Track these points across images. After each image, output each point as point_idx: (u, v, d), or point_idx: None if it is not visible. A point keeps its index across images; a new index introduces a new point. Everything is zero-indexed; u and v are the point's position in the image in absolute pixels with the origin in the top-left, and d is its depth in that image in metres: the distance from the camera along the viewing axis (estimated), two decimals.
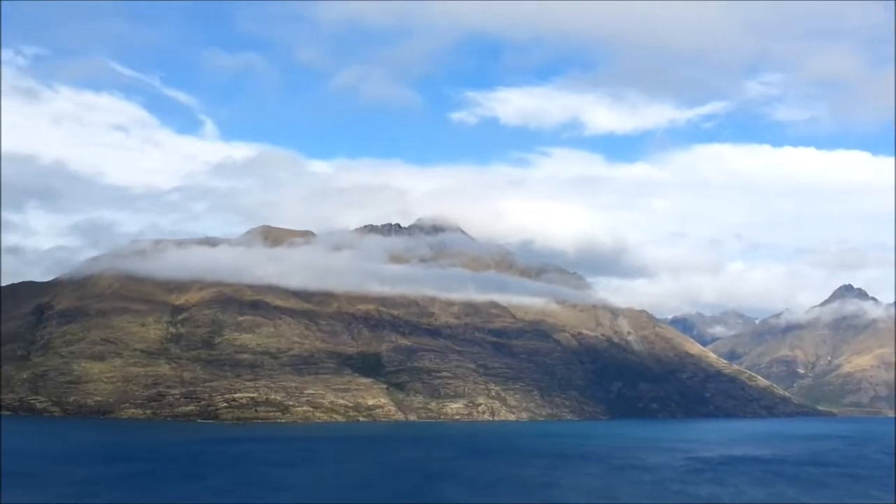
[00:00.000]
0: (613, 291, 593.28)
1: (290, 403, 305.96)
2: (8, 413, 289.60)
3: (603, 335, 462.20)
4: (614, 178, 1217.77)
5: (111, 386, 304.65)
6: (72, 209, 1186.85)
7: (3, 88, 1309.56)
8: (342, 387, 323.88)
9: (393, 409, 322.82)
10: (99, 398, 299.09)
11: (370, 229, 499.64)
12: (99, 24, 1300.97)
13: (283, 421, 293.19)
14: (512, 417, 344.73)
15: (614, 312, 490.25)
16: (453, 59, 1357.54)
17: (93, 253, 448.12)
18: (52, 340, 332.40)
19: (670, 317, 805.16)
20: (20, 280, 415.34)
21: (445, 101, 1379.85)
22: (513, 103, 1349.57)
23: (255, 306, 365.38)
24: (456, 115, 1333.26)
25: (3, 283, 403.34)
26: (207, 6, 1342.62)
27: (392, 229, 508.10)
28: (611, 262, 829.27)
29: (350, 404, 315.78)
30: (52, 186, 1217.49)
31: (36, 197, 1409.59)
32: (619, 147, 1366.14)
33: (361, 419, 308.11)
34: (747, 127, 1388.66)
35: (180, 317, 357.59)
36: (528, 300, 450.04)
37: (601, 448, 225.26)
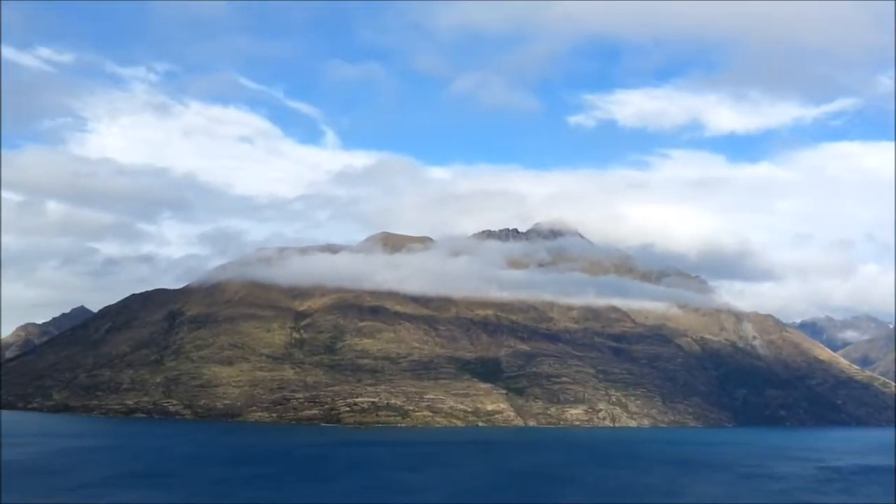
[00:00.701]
0: (737, 295, 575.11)
1: (410, 408, 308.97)
2: (143, 415, 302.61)
3: (727, 340, 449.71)
4: (737, 179, 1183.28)
5: (239, 390, 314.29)
6: (202, 219, 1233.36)
7: (137, 104, 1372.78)
8: (461, 392, 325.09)
9: (512, 414, 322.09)
10: (227, 402, 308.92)
11: (488, 234, 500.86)
12: (226, 40, 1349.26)
13: (403, 425, 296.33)
14: (633, 424, 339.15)
15: (738, 317, 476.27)
16: (571, 63, 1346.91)
17: (221, 261, 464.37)
18: (183, 345, 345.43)
19: (798, 321, 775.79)
20: (154, 288, 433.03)
21: (563, 104, 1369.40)
22: (631, 105, 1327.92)
23: (375, 312, 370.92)
24: (574, 119, 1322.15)
25: (138, 291, 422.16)
26: (329, 19, 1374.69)
27: (510, 234, 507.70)
28: (734, 265, 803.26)
29: (469, 409, 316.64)
30: (184, 197, 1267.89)
31: (168, 208, 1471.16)
32: (741, 147, 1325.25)
33: (481, 424, 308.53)
34: (878, 124, 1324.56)
35: (303, 322, 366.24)
36: (648, 304, 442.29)
37: (727, 456, 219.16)
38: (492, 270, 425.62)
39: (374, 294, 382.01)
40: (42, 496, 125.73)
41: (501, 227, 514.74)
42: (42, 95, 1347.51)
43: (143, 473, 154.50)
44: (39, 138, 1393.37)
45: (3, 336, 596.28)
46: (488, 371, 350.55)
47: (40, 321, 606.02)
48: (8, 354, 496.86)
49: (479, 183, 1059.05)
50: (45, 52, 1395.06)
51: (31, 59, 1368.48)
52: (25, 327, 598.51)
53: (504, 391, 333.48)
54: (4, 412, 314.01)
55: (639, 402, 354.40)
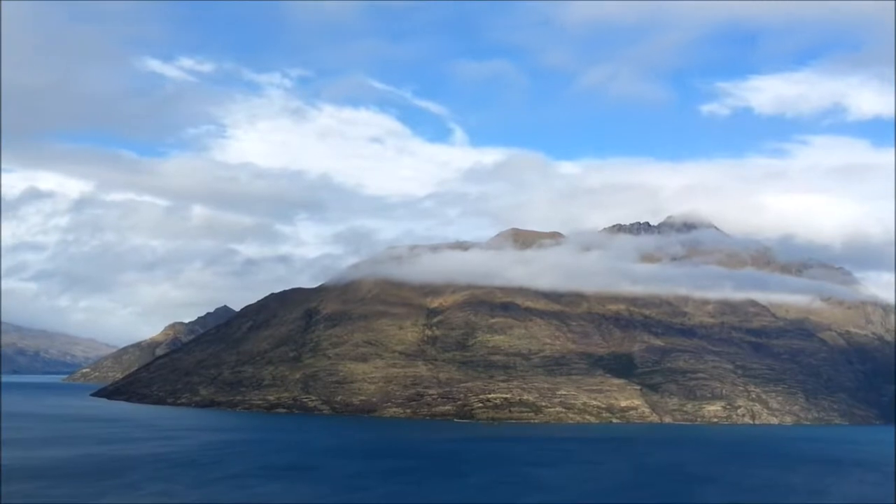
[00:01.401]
0: (884, 287, 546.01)
1: (543, 404, 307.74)
2: (284, 410, 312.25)
3: (874, 333, 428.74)
4: (883, 165, 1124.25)
5: (374, 386, 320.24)
6: (335, 219, 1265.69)
7: (273, 110, 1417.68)
8: (594, 388, 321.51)
9: (647, 410, 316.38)
10: (363, 397, 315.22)
11: (619, 229, 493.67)
12: (356, 44, 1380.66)
13: (535, 421, 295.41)
14: (774, 421, 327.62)
15: (886, 309, 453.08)
16: (703, 51, 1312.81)
17: (354, 260, 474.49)
18: (320, 343, 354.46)
19: None
20: (291, 287, 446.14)
21: (696, 93, 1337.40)
22: (768, 91, 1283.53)
23: (507, 308, 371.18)
24: (707, 108, 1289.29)
25: (276, 290, 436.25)
26: (457, 19, 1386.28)
27: (642, 228, 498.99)
28: (881, 255, 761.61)
29: (603, 405, 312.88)
30: (318, 199, 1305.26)
31: (304, 209, 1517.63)
32: (886, 131, 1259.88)
33: (614, 421, 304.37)
34: None
35: (435, 319, 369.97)
36: (789, 298, 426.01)
37: (875, 454, 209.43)
38: (624, 265, 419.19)
39: (505, 290, 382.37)
40: (193, 487, 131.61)
41: (633, 221, 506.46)
42: (185, 105, 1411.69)
43: (285, 466, 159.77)
44: (184, 146, 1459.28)
45: (154, 335, 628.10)
46: (621, 366, 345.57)
47: (187, 320, 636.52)
48: (159, 352, 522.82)
49: (609, 176, 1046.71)
50: (187, 62, 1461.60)
51: (174, 71, 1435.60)
52: (174, 326, 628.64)
53: (638, 387, 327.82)
54: (156, 407, 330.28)
55: (780, 398, 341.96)
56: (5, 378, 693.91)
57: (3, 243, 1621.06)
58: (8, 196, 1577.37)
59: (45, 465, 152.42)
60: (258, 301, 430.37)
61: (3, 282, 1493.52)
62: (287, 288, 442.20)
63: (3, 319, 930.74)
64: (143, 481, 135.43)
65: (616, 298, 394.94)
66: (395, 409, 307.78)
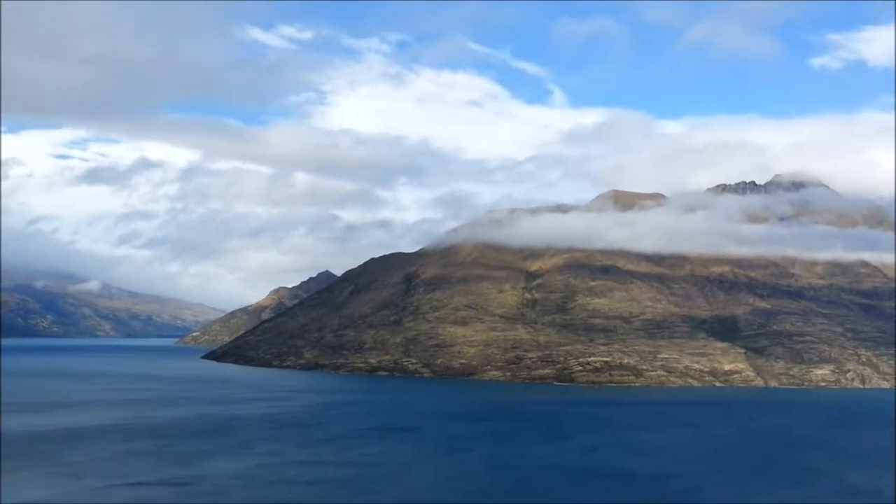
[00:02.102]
0: None
1: (644, 367, 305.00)
2: (385, 373, 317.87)
3: None
4: None
5: (474, 349, 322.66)
6: (435, 184, 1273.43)
7: (373, 76, 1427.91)
8: (697, 351, 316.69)
9: (751, 374, 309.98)
10: (463, 361, 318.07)
11: (724, 189, 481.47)
12: (454, 6, 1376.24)
13: (636, 385, 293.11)
14: (885, 385, 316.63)
15: None
16: (813, 2, 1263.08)
17: (454, 224, 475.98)
18: (420, 307, 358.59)
19: None
20: (391, 251, 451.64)
21: (805, 46, 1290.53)
22: (882, 42, 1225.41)
23: (607, 271, 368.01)
24: (818, 61, 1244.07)
25: (377, 255, 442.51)
26: None
27: (748, 188, 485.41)
28: None
29: (706, 369, 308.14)
30: (418, 163, 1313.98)
31: (404, 174, 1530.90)
32: None
33: (717, 384, 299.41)
34: None
35: (535, 283, 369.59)
36: None
37: None
38: (728, 226, 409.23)
39: (606, 253, 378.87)
40: (301, 446, 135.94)
41: (738, 181, 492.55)
42: (287, 73, 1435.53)
43: (388, 427, 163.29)
44: (286, 113, 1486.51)
45: (260, 299, 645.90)
46: (725, 330, 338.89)
47: (290, 285, 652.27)
48: (264, 316, 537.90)
49: (714, 135, 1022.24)
50: (287, 30, 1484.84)
51: (275, 39, 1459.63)
52: (278, 291, 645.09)
53: (742, 350, 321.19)
54: (262, 369, 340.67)
55: (892, 361, 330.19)
56: (122, 341, 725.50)
57: (116, 213, 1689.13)
58: (119, 166, 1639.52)
59: (165, 424, 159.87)
60: (359, 266, 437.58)
61: (117, 250, 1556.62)
62: (387, 252, 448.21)
63: (117, 285, 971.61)
64: (253, 440, 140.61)
65: (720, 260, 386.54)
66: (494, 373, 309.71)
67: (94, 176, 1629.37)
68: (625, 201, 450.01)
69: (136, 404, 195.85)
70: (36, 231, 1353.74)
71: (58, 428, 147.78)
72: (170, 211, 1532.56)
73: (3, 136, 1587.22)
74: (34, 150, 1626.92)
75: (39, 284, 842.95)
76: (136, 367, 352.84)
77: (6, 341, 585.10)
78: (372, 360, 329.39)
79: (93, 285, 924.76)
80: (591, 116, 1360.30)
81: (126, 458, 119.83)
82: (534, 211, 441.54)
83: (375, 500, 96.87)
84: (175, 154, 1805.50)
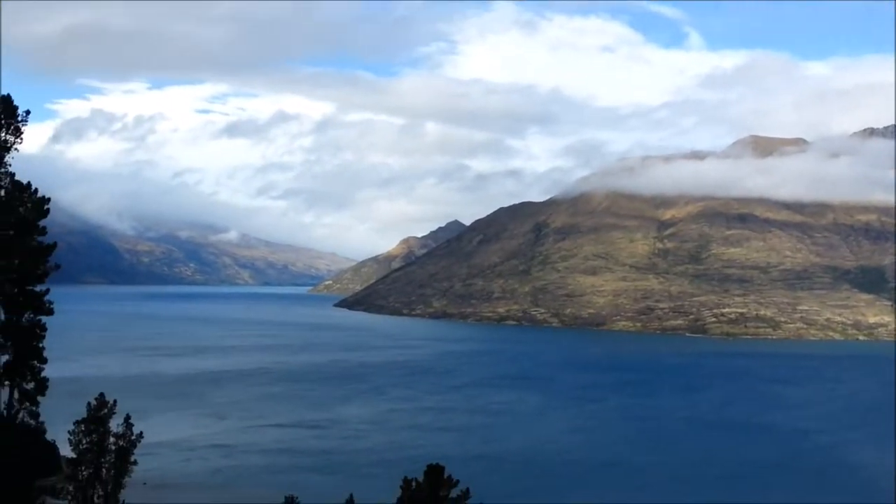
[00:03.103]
0: None
1: (782, 319, 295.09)
2: (513, 322, 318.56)
3: None
4: None
5: (603, 299, 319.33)
6: (566, 132, 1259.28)
7: (504, 24, 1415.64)
8: (839, 303, 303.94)
9: None
10: (592, 311, 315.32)
11: (871, 133, 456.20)
12: None
13: (773, 337, 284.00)
14: None
15: None
16: None
17: (584, 172, 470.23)
18: (549, 256, 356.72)
19: None
20: (521, 201, 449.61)
21: None
22: None
23: (743, 220, 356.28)
24: None
25: (506, 204, 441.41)
26: None
27: None
28: None
29: (848, 322, 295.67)
30: (549, 112, 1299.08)
31: (534, 123, 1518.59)
32: None
33: (861, 338, 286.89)
34: None
35: (667, 232, 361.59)
36: None
37: None
38: (876, 172, 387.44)
39: (743, 201, 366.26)
40: (431, 393, 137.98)
41: (888, 124, 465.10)
42: (417, 24, 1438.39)
43: (518, 376, 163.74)
44: (417, 64, 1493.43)
45: (390, 249, 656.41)
46: (870, 281, 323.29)
47: (420, 234, 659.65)
48: (394, 265, 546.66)
49: (862, 76, 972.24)
50: None
51: None
52: (407, 240, 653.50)
53: (889, 303, 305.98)
54: (392, 318, 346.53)
55: None
56: (259, 289, 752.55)
57: (254, 165, 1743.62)
58: (258, 119, 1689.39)
59: (301, 369, 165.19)
60: (488, 215, 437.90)
61: (255, 201, 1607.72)
62: (517, 202, 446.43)
63: (255, 235, 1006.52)
64: (386, 386, 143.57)
65: (866, 208, 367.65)
66: (624, 323, 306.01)
67: (234, 129, 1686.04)
68: (764, 147, 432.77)
69: (273, 350, 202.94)
70: (180, 183, 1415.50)
71: (203, 371, 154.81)
72: (305, 162, 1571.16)
73: (149, 92, 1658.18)
74: (178, 106, 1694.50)
75: (183, 234, 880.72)
76: (272, 314, 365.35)
77: (153, 288, 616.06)
78: (500, 310, 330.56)
79: (232, 235, 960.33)
80: (730, 59, 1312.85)
81: (265, 401, 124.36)
82: (667, 158, 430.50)
83: (506, 448, 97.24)
84: (310, 107, 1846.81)
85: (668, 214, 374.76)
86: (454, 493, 34.14)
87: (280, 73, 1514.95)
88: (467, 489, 34.23)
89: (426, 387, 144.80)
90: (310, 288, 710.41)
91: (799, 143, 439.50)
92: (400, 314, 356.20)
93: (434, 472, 34.02)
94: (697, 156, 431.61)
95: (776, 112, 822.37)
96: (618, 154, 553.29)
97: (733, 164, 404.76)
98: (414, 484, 34.21)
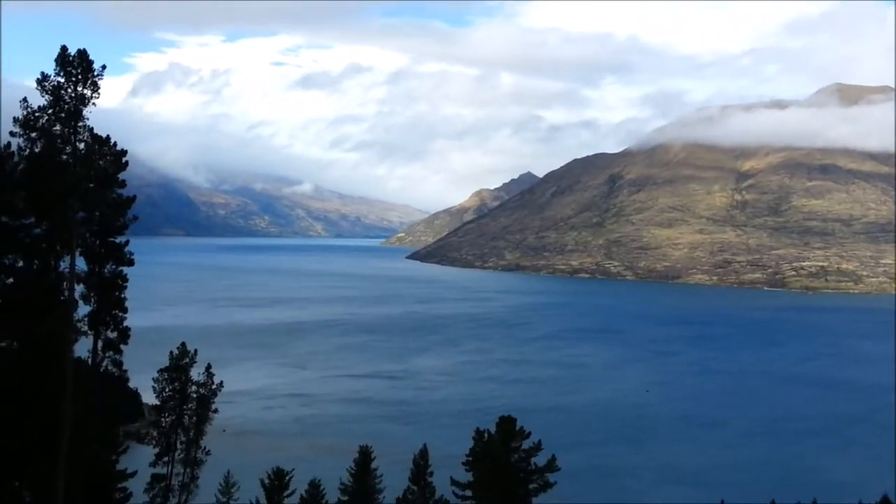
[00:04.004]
0: None
1: (864, 273, 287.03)
2: (586, 275, 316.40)
3: None
4: None
5: (679, 252, 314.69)
6: (643, 81, 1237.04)
7: None
8: None
9: None
10: (667, 264, 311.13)
11: None
12: None
13: (855, 291, 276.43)
14: None
15: None
16: None
17: (661, 123, 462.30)
18: (623, 208, 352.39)
19: None
20: (594, 152, 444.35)
21: None
22: None
23: (826, 171, 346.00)
24: None
25: (580, 156, 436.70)
26: None
27: None
28: None
29: None
30: (626, 61, 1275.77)
31: (611, 72, 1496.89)
32: None
33: None
34: None
35: (745, 183, 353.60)
36: None
37: None
38: None
39: (826, 151, 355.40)
40: (506, 346, 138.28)
41: None
42: None
43: (593, 329, 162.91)
44: (491, 13, 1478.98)
45: (462, 201, 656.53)
46: None
47: (493, 186, 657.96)
48: (466, 217, 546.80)
49: None
50: None
51: None
52: (480, 192, 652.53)
53: None
54: (465, 270, 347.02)
55: None
56: (332, 241, 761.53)
57: (328, 117, 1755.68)
58: (331, 72, 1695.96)
59: (376, 321, 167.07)
60: (562, 167, 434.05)
61: (328, 153, 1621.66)
62: (590, 153, 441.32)
63: (328, 188, 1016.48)
64: (460, 338, 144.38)
65: None
66: (700, 276, 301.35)
67: (307, 81, 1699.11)
68: (850, 95, 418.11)
69: (348, 301, 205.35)
70: (255, 136, 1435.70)
71: (280, 322, 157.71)
72: (378, 114, 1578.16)
73: (223, 45, 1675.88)
74: (252, 58, 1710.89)
75: (258, 187, 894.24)
76: (346, 266, 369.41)
77: (229, 240, 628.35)
78: (573, 262, 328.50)
79: (306, 188, 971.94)
80: (817, 5, 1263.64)
81: (341, 352, 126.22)
82: (748, 107, 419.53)
83: (581, 400, 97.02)
84: (383, 58, 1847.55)
85: (747, 165, 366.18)
86: (526, 444, 34.09)
87: (353, 23, 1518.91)
88: (539, 441, 34.11)
89: (500, 339, 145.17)
90: (382, 240, 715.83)
91: (886, 92, 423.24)
92: (472, 266, 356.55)
93: (506, 423, 33.97)
94: (779, 105, 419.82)
95: (863, 59, 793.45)
96: (696, 104, 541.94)
97: (817, 113, 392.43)
98: (486, 435, 34.24)
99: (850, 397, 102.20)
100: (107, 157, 25.81)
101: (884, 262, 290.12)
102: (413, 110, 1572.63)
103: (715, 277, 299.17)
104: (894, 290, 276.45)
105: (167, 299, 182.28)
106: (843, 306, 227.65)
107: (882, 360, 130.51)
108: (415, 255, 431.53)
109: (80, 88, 24.58)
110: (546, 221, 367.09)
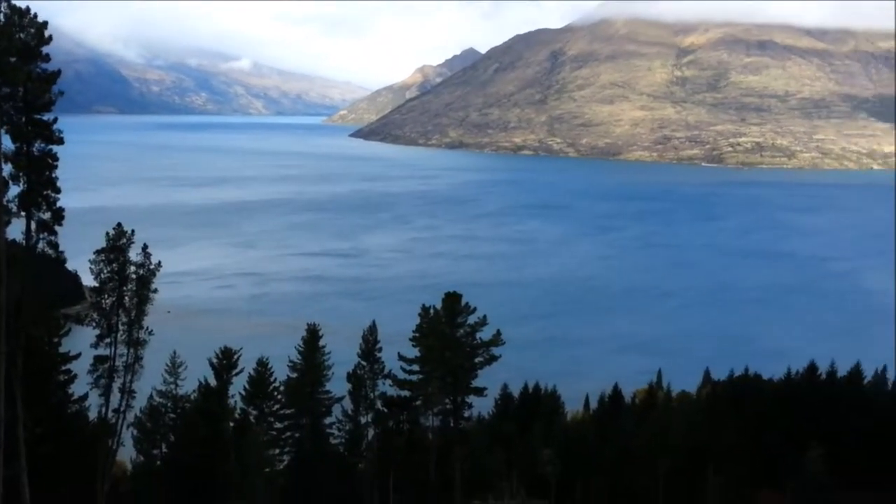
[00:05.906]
0: None
1: (797, 149, 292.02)
2: (529, 152, 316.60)
3: None
4: None
5: (620, 129, 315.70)
6: None
7: None
8: (856, 132, 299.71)
9: None
10: (609, 140, 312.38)
11: None
12: None
13: (789, 167, 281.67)
14: None
15: None
16: None
17: None
18: (566, 85, 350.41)
19: None
20: (537, 28, 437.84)
21: None
22: None
23: (764, 47, 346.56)
24: None
25: (522, 32, 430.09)
26: None
27: None
28: None
29: (864, 151, 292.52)
30: None
31: None
32: None
33: (876, 167, 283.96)
34: None
35: (686, 59, 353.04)
36: None
37: None
38: None
39: (764, 27, 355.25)
40: (455, 222, 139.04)
41: None
42: None
43: (539, 205, 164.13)
44: None
45: (405, 78, 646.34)
46: (888, 110, 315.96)
47: (435, 63, 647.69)
48: (409, 94, 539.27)
49: None
50: None
51: None
52: (422, 69, 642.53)
53: None
54: (409, 148, 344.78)
55: None
56: (273, 119, 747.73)
57: None
58: None
59: (323, 199, 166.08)
60: (504, 43, 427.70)
61: (268, 27, 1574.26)
62: (533, 29, 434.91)
63: (268, 64, 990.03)
64: (410, 215, 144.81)
65: (890, 35, 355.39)
66: (640, 153, 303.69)
67: None
68: None
69: (293, 180, 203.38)
70: (189, 8, 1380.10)
71: (227, 201, 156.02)
72: None
73: None
74: None
75: (193, 62, 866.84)
76: (288, 144, 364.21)
77: (165, 118, 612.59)
78: (516, 139, 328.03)
79: (244, 63, 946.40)
80: None
81: (292, 230, 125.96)
82: None
83: (530, 275, 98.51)
84: None
85: (687, 41, 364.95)
86: (471, 319, 34.29)
87: None
88: (484, 316, 34.32)
89: (449, 216, 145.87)
90: (324, 118, 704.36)
91: None
92: (416, 144, 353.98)
93: (451, 299, 34.01)
94: None
95: None
96: None
97: None
98: (432, 311, 34.30)
99: (788, 268, 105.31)
100: (27, 29, 24.25)
101: (816, 137, 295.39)
102: None
103: (655, 154, 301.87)
104: (826, 165, 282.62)
105: (106, 179, 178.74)
106: (778, 181, 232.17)
107: (817, 232, 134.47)
108: (358, 133, 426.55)
109: None
110: (489, 98, 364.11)
